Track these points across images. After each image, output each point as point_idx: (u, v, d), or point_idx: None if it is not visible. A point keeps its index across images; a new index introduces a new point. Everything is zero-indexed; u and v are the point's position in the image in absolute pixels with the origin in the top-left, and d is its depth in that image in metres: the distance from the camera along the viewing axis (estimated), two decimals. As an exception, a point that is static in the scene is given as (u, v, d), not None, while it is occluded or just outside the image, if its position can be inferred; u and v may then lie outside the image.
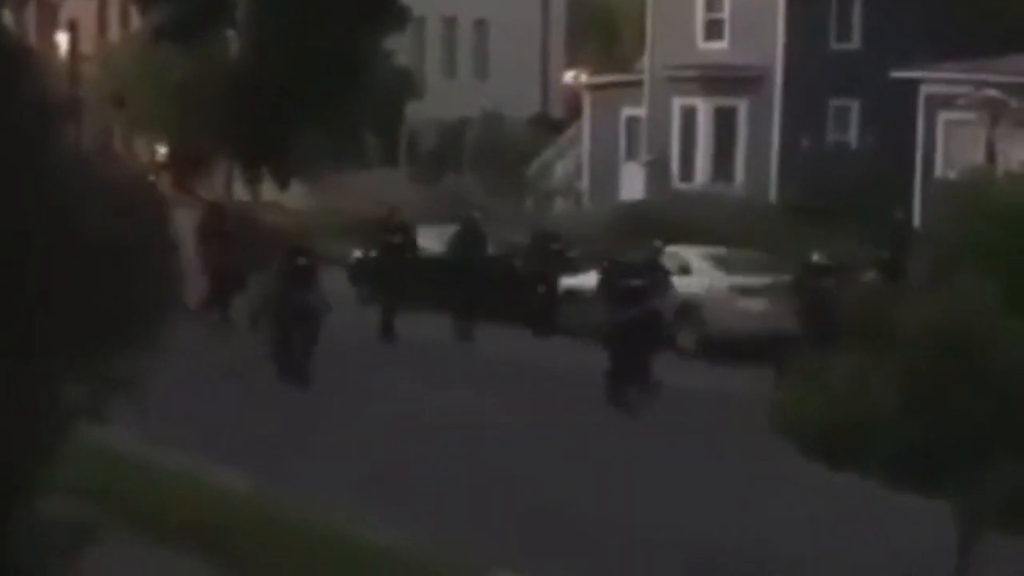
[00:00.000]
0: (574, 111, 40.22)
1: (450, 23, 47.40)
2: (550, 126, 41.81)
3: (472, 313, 22.65)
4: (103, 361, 7.14)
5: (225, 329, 21.17)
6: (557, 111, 44.16)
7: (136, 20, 37.62)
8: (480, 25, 46.84)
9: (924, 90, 29.58)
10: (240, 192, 33.69)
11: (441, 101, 44.43)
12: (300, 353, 17.61)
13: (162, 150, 37.05)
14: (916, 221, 28.91)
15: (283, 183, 32.96)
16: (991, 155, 26.88)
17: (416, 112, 45.34)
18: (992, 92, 28.14)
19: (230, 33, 31.89)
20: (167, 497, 11.36)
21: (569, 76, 41.68)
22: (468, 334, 22.37)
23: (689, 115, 33.43)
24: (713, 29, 33.30)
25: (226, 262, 21.29)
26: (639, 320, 17.31)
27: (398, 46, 39.53)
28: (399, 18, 31.45)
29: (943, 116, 29.32)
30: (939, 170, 29.09)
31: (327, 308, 18.12)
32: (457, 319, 22.66)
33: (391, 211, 23.92)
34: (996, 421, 8.05)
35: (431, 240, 26.22)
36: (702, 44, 33.42)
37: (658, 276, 18.54)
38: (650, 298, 17.73)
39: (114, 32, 44.80)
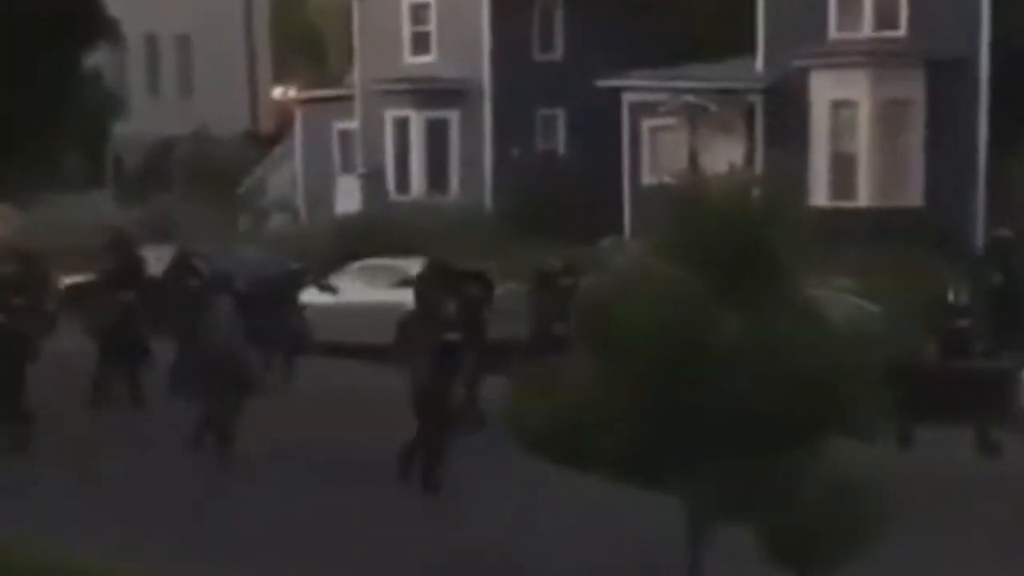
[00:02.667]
0: (285, 126, 39.99)
1: (152, 40, 46.49)
2: (261, 142, 41.43)
3: None
4: None
5: None
6: (267, 127, 43.79)
7: None
8: (183, 41, 46.09)
9: (627, 98, 30.52)
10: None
11: (146, 120, 43.53)
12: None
13: None
14: (626, 226, 29.87)
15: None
16: (693, 159, 27.91)
17: (121, 132, 44.30)
18: (691, 98, 29.24)
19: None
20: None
21: (278, 92, 41.40)
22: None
23: (402, 127, 33.68)
24: (420, 42, 33.63)
25: None
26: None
27: (99, 64, 38.58)
28: (106, 32, 30.52)
29: (646, 123, 30.30)
30: (645, 175, 30.05)
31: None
32: None
33: (118, 234, 22.90)
34: (717, 415, 8.31)
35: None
36: (409, 58, 33.73)
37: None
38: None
39: None
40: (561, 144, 33.26)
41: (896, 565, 10.24)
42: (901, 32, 26.64)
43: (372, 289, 23.64)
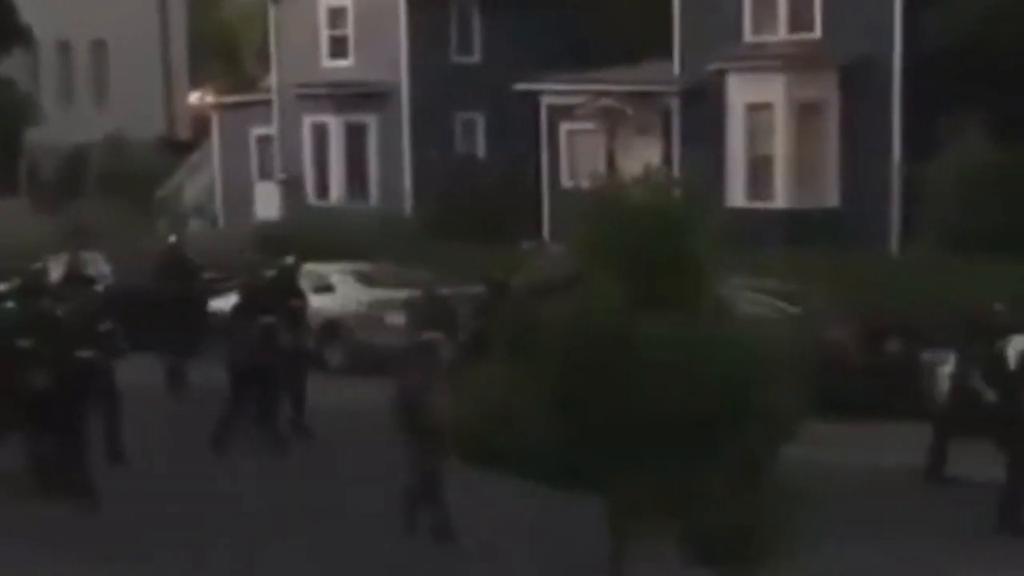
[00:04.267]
0: (202, 132, 39.69)
1: (65, 46, 45.99)
2: (178, 148, 41.09)
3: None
4: None
5: None
6: (184, 132, 43.43)
7: None
8: (97, 47, 45.61)
9: (545, 101, 30.59)
10: None
11: (60, 127, 43.03)
12: None
13: None
14: (545, 229, 29.93)
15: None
16: (611, 162, 28.03)
17: (35, 139, 43.75)
18: (609, 102, 29.37)
19: None
20: None
21: (195, 97, 41.07)
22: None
23: (320, 132, 33.56)
24: (337, 46, 33.53)
25: None
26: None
27: (10, 70, 38.13)
28: (18, 39, 30.14)
29: (564, 126, 30.38)
30: (564, 178, 30.14)
31: None
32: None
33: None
34: (636, 416, 8.35)
35: (56, 271, 25.43)
36: (327, 62, 33.61)
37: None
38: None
39: None
40: (480, 147, 33.28)
41: (818, 563, 10.35)
42: (815, 35, 26.90)
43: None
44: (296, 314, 17.96)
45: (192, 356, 20.09)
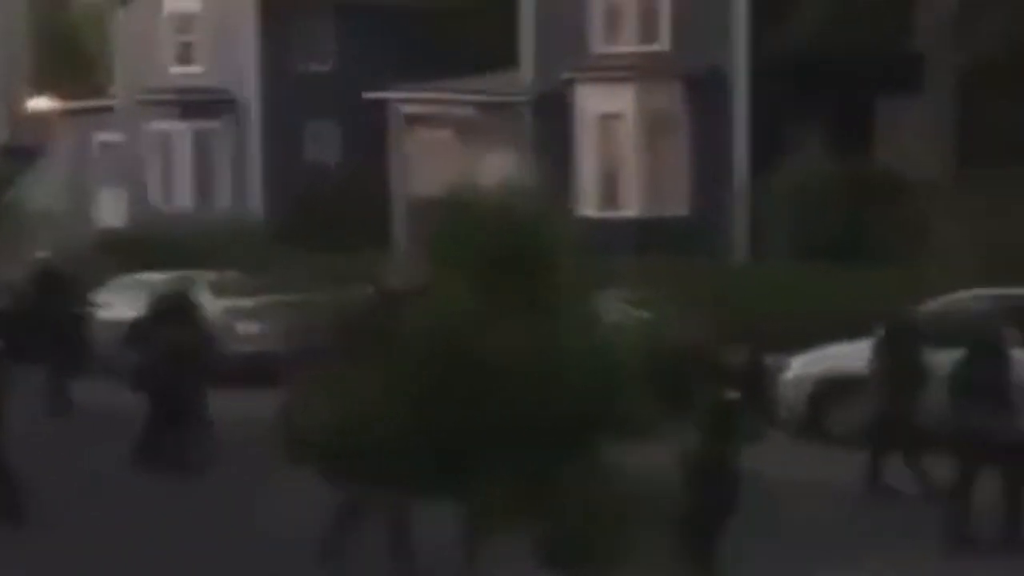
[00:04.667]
0: (45, 139, 38.91)
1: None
2: (20, 155, 40.22)
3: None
4: None
5: None
6: (27, 139, 42.51)
7: None
8: (-65, 51, 44.49)
9: (398, 110, 30.55)
10: None
11: None
12: None
13: None
14: (397, 237, 29.88)
15: None
16: (463, 171, 28.05)
17: None
18: (460, 109, 29.44)
19: None
20: None
21: (38, 102, 40.23)
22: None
23: (166, 139, 33.10)
24: (184, 53, 33.13)
25: None
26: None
27: None
28: None
29: (417, 135, 30.38)
30: (416, 187, 30.12)
31: None
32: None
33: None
34: (491, 423, 8.38)
35: None
36: (174, 68, 33.19)
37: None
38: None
39: None
40: (333, 157, 33.12)
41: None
42: (663, 46, 27.25)
43: (137, 305, 23.13)
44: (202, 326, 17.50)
45: (75, 375, 19.32)
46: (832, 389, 16.49)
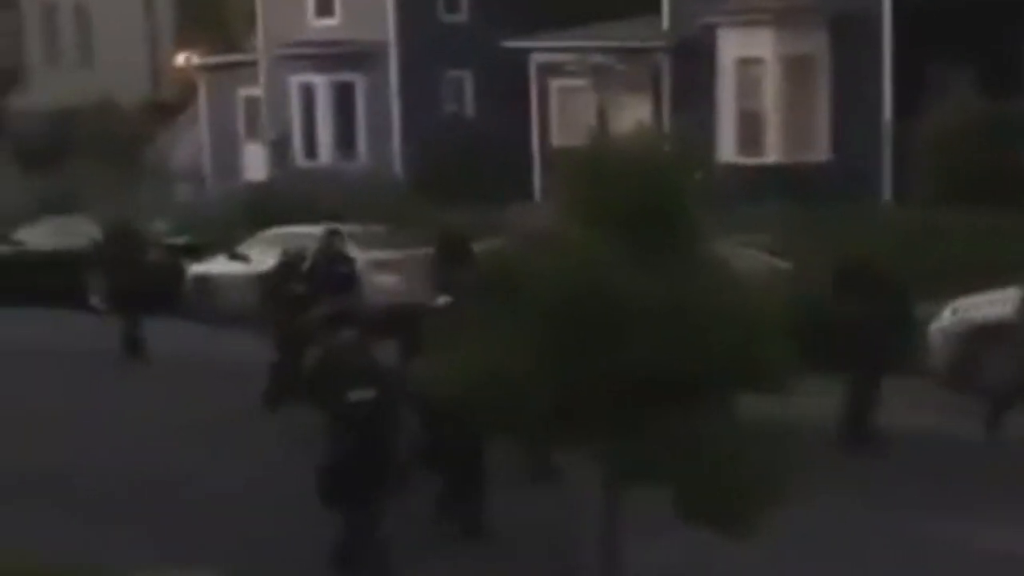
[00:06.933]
0: (188, 94, 39.47)
1: (50, 10, 45.68)
2: (164, 110, 40.90)
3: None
4: None
5: None
6: (171, 95, 43.21)
7: None
8: (81, 10, 45.32)
9: (534, 59, 30.41)
10: None
11: (45, 88, 42.82)
12: None
13: None
14: (536, 188, 29.81)
15: None
16: (602, 119, 27.89)
17: (21, 103, 43.53)
18: (598, 58, 29.19)
19: None
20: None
21: (180, 59, 40.81)
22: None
23: (307, 93, 33.35)
24: (324, 5, 33.29)
25: None
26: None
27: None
28: (2, 1, 29.93)
29: (555, 84, 30.22)
30: (554, 137, 30.00)
31: None
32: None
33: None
34: (628, 375, 8.27)
35: (43, 236, 25.42)
36: (313, 21, 33.37)
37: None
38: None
39: None
40: (470, 108, 33.10)
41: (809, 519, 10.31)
42: (806, -12, 26.75)
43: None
44: (345, 281, 17.73)
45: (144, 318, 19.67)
46: (984, 337, 16.02)
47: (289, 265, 16.89)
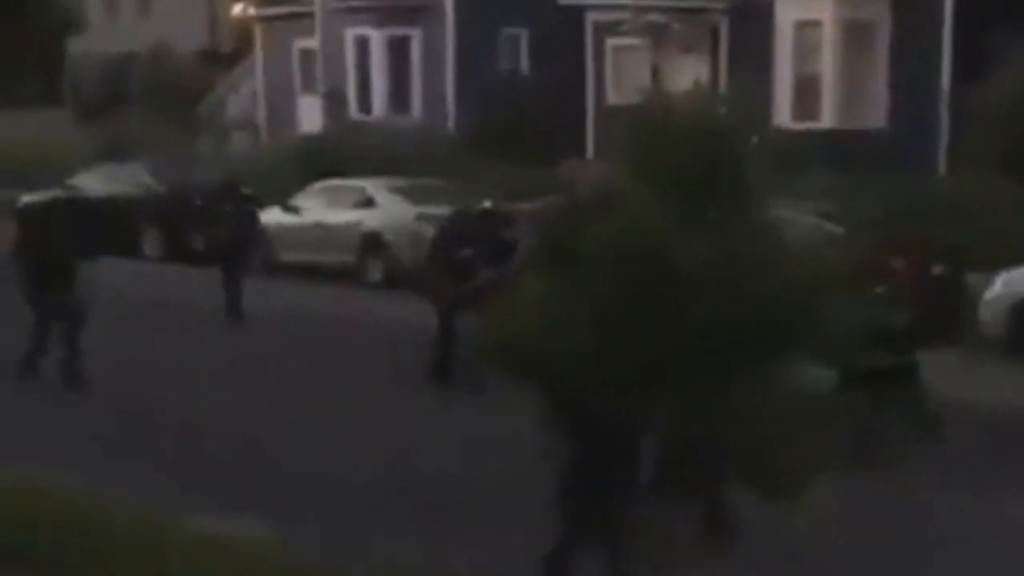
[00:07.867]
0: (245, 45, 39.58)
1: (109, -43, 45.93)
2: (220, 60, 41.04)
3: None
4: None
5: None
6: (227, 45, 43.36)
7: None
8: (140, -42, 45.54)
9: (590, 17, 30.30)
10: None
11: (104, 36, 43.05)
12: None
13: None
14: (589, 146, 29.76)
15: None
16: (657, 79, 27.77)
17: (78, 49, 43.77)
18: (654, 16, 29.04)
19: None
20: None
21: (237, 9, 40.92)
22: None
23: (363, 46, 33.35)
24: (381, -41, 33.25)
25: None
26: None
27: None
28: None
29: (610, 42, 30.10)
30: (609, 95, 29.90)
31: None
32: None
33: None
34: (680, 337, 8.26)
35: (98, 181, 25.61)
36: (371, -27, 33.34)
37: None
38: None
39: None
40: (525, 65, 33.02)
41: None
42: (867, -47, 26.49)
43: (334, 209, 23.53)
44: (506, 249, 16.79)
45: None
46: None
47: (458, 225, 15.66)
